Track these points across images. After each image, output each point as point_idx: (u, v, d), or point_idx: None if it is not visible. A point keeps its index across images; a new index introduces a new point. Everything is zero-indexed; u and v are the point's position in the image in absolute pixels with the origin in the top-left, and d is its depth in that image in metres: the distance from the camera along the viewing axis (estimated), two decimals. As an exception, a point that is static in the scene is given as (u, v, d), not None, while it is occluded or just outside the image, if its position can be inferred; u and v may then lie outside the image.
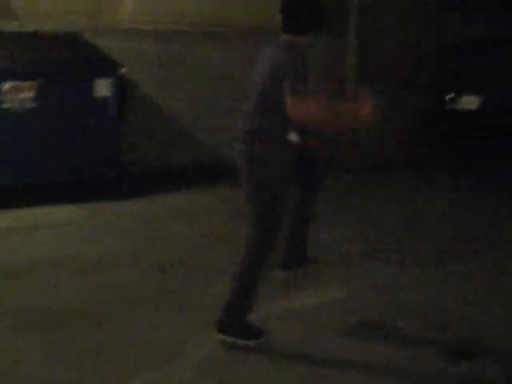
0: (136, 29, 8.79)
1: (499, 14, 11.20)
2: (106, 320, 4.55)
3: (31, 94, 7.03)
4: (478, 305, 5.02)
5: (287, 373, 3.95)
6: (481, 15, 11.07)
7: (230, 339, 4.16)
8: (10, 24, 8.20)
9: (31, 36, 7.77)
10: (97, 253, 5.82)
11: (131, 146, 8.25)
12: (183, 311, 4.73)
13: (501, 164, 9.26)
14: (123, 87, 7.55)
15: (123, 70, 7.51)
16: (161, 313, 4.70)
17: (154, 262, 5.68)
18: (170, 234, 6.44)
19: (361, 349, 4.27)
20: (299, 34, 4.28)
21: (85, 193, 7.34)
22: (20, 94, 6.99)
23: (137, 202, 7.41)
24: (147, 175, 8.38)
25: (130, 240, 6.22)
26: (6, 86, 6.93)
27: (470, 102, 9.47)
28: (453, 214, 7.41)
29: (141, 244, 6.13)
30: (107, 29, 8.71)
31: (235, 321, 4.17)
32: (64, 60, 7.47)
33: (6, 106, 6.95)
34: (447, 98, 9.87)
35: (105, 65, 7.55)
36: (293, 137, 4.28)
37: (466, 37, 10.46)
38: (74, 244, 6.07)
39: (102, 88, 7.39)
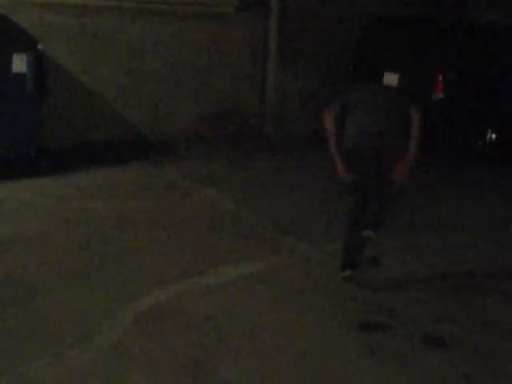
0: (55, 3, 8.62)
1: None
2: (22, 298, 4.51)
3: None
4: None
5: (198, 348, 4.00)
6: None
7: None
8: None
9: None
10: (12, 231, 5.74)
11: (51, 123, 8.16)
12: (100, 288, 4.73)
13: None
14: (42, 63, 7.41)
15: (41, 45, 7.37)
16: (78, 290, 4.69)
17: (72, 239, 5.64)
18: (88, 211, 6.39)
19: (278, 321, 4.36)
20: None
21: (3, 171, 7.20)
22: None
23: (56, 179, 7.31)
24: (68, 152, 8.29)
25: (46, 218, 6.14)
26: None
27: (392, 79, 9.60)
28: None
29: (58, 222, 6.06)
30: (25, 2, 8.52)
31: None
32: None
33: None
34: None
35: (22, 40, 7.37)
36: None
37: (385, 15, 10.62)
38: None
39: (20, 64, 7.23)
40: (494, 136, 9.59)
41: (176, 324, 4.28)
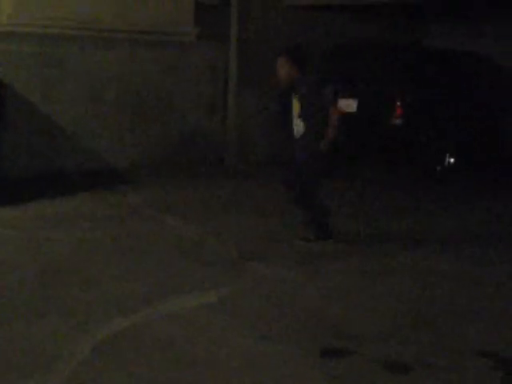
0: (14, 32, 8.61)
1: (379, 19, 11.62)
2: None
3: None
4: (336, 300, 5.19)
5: (158, 376, 3.96)
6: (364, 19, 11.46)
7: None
8: None
9: None
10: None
11: (11, 152, 8.10)
12: (60, 316, 4.67)
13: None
14: (0, 92, 7.38)
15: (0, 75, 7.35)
16: (37, 318, 4.61)
17: (32, 268, 5.57)
18: (49, 240, 6.33)
19: (240, 349, 4.34)
20: None
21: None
22: None
23: (15, 208, 7.25)
24: (26, 181, 8.22)
25: (7, 247, 6.08)
26: None
27: (348, 105, 9.73)
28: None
29: (19, 250, 6.00)
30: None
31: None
32: None
33: None
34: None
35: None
36: None
37: (343, 40, 10.78)
38: None
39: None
40: (451, 160, 9.74)
41: (136, 352, 4.23)
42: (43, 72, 8.77)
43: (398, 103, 9.34)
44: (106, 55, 9.29)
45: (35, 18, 8.76)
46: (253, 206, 7.99)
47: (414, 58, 10.07)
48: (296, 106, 6.24)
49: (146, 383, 3.88)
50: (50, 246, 6.16)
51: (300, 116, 6.20)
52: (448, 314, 5.04)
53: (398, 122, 9.37)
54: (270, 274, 5.74)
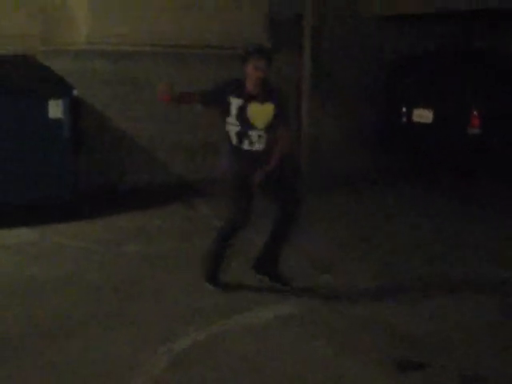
0: (90, 50, 8.79)
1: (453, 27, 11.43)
2: (56, 339, 4.51)
3: (-17, 118, 6.96)
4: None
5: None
6: (435, 29, 11.30)
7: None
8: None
9: (-17, 59, 7.74)
10: (46, 273, 5.78)
11: (87, 167, 8.24)
12: (136, 329, 4.71)
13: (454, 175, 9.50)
14: (77, 108, 7.53)
15: (76, 91, 7.49)
16: (113, 331, 4.67)
17: (107, 281, 5.65)
18: (123, 253, 6.41)
19: (316, 362, 4.28)
20: None
21: (39, 215, 7.27)
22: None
23: (91, 223, 7.37)
24: (103, 196, 8.35)
25: (80, 260, 6.18)
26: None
27: (423, 115, 9.60)
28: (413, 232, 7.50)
29: (92, 264, 6.09)
30: (61, 50, 8.70)
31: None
32: (17, 82, 7.42)
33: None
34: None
35: (58, 86, 7.50)
36: None
37: (419, 50, 10.66)
38: (28, 265, 6.00)
39: (56, 109, 7.35)
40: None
41: (214, 365, 4.22)
42: (119, 89, 8.91)
43: (475, 112, 9.15)
44: (180, 71, 9.38)
45: (111, 35, 8.92)
46: (328, 218, 7.91)
47: (491, 66, 9.86)
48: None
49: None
50: (125, 260, 6.23)
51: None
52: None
53: (475, 131, 9.18)
54: (344, 286, 5.67)
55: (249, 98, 5.19)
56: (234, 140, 5.28)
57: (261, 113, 5.22)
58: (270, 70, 5.21)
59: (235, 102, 5.20)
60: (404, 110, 9.97)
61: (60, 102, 7.33)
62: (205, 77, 9.57)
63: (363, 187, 9.27)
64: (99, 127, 8.74)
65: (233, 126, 5.25)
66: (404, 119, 10.00)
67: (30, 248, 6.49)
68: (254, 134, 5.23)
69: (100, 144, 8.73)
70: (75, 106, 7.46)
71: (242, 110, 5.20)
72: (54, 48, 8.74)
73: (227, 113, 5.23)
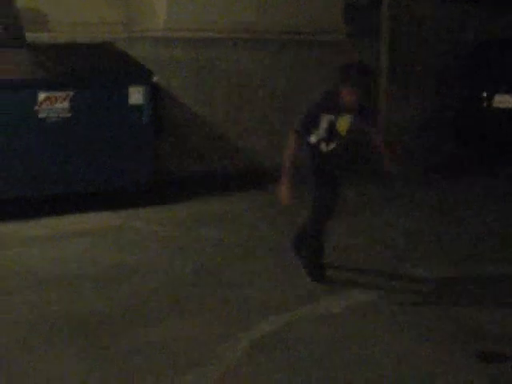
0: (169, 37, 8.88)
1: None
2: (137, 324, 4.59)
3: (66, 104, 7.12)
4: None
5: (312, 378, 3.95)
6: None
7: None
8: (44, 36, 8.36)
9: (65, 47, 7.91)
10: (127, 259, 5.89)
11: (166, 152, 8.35)
12: (214, 314, 4.76)
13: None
14: (157, 95, 7.62)
15: (156, 78, 7.58)
16: (191, 317, 4.73)
17: (185, 266, 5.72)
18: (203, 238, 6.48)
19: (392, 349, 4.26)
20: None
21: (121, 201, 7.41)
22: (55, 104, 7.09)
23: (170, 208, 7.47)
24: (182, 182, 8.45)
25: (160, 245, 6.28)
26: (42, 96, 7.02)
27: (505, 101, 9.39)
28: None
29: (172, 249, 6.18)
30: (140, 37, 8.82)
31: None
32: (97, 69, 7.56)
33: (41, 115, 7.04)
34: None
35: (138, 73, 7.62)
36: None
37: (498, 34, 10.42)
38: (106, 251, 6.13)
39: (136, 96, 7.46)
40: None
41: (292, 352, 4.24)
42: (196, 75, 8.98)
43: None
44: (257, 56, 9.39)
45: (188, 22, 8.98)
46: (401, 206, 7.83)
47: None
48: None
49: (300, 382, 3.88)
50: (202, 246, 6.29)
51: None
52: None
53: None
54: (422, 275, 5.61)
55: (339, 112, 5.16)
56: (314, 141, 5.25)
57: (347, 123, 5.23)
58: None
59: (326, 118, 5.15)
60: (485, 95, 9.76)
61: (140, 89, 7.44)
62: (283, 63, 9.59)
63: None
64: (178, 113, 8.82)
65: (316, 135, 5.22)
66: (485, 104, 9.79)
67: (111, 233, 6.62)
68: (336, 139, 5.26)
69: (180, 130, 8.82)
70: (155, 93, 7.56)
71: (331, 124, 5.17)
72: (133, 35, 8.87)
73: (316, 127, 5.20)
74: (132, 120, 7.47)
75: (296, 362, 4.08)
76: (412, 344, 4.35)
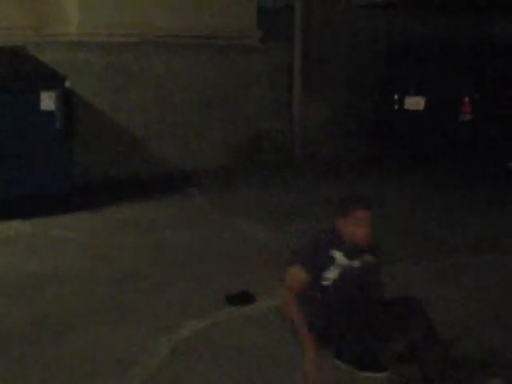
0: (82, 41, 8.76)
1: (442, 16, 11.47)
2: (57, 333, 4.51)
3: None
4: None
5: (234, 379, 3.96)
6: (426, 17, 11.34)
7: None
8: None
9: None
10: (44, 267, 5.77)
11: (81, 159, 8.22)
12: (136, 321, 4.72)
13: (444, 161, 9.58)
14: (70, 100, 7.49)
15: (69, 83, 7.46)
16: (114, 323, 4.68)
17: (107, 273, 5.65)
18: (121, 245, 6.42)
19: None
20: None
21: (33, 207, 7.25)
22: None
23: (86, 215, 7.37)
24: (96, 187, 8.34)
25: (78, 253, 6.17)
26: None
27: (415, 102, 9.64)
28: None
29: (90, 257, 6.09)
30: (52, 42, 8.67)
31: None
32: (8, 74, 7.37)
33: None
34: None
35: (50, 78, 7.47)
36: None
37: (410, 38, 10.69)
38: (23, 259, 6.00)
39: (48, 101, 7.32)
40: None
41: (213, 354, 4.24)
42: (110, 80, 8.89)
43: (466, 99, 9.19)
44: (171, 61, 9.36)
45: (101, 26, 8.89)
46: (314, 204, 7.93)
47: (481, 53, 9.89)
48: None
49: (223, 384, 3.89)
50: (124, 251, 6.24)
51: None
52: None
53: (466, 118, 9.22)
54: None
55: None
56: None
57: None
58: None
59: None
60: (396, 97, 10.00)
61: (52, 94, 7.31)
62: (197, 66, 9.60)
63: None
64: (92, 119, 8.71)
65: None
66: (396, 107, 10.03)
67: (27, 241, 6.49)
68: None
69: (94, 136, 8.71)
70: (67, 98, 7.43)
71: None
72: (46, 39, 8.72)
73: None
74: (44, 126, 7.33)
75: (218, 365, 4.09)
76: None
